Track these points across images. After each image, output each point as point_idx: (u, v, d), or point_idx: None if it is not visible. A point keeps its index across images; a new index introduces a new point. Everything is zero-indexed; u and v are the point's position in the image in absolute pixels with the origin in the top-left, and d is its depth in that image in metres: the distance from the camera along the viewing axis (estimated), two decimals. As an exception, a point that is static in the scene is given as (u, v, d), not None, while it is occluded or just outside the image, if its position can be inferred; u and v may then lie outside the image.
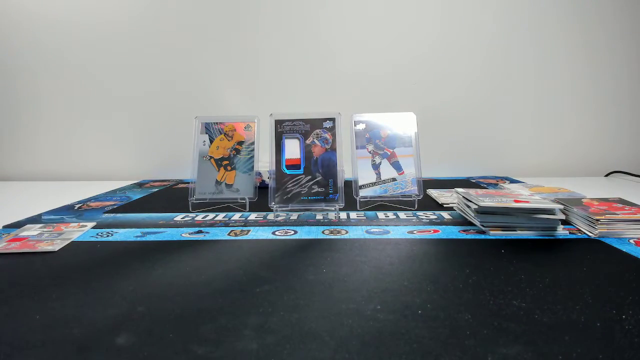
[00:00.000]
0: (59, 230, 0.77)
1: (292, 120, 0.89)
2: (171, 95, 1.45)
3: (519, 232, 0.71)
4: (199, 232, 0.76)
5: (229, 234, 0.75)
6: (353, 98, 1.43)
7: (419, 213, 0.88)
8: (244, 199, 0.92)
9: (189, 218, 0.87)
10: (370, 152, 0.92)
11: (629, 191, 1.16)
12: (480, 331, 0.40)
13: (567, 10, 1.39)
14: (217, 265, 0.59)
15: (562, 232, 0.72)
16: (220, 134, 0.96)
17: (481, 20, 1.41)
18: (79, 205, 1.02)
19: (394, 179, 0.91)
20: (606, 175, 1.46)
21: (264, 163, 1.01)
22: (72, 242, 0.70)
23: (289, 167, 0.87)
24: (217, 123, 0.96)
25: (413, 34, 1.42)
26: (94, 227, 0.80)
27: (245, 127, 0.96)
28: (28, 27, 1.40)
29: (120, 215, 0.90)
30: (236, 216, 0.88)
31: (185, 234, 0.75)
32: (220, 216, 0.88)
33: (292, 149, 0.88)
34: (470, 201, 0.77)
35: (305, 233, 0.75)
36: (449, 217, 0.85)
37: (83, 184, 1.34)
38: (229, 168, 0.94)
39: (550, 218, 0.71)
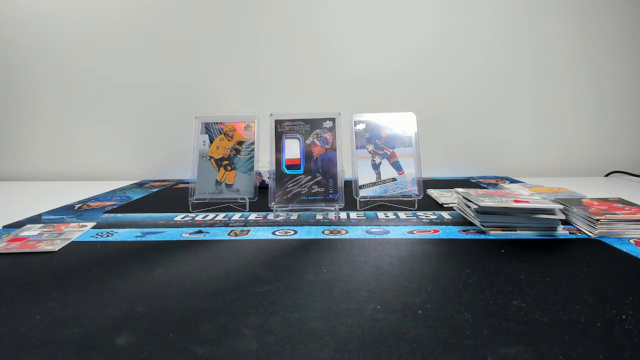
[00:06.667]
0: (59, 230, 0.77)
1: (292, 120, 0.89)
2: (171, 95, 1.45)
3: (519, 232, 0.71)
4: (199, 232, 0.76)
5: (229, 234, 0.75)
6: (353, 98, 1.43)
7: (419, 213, 0.88)
8: (244, 199, 0.92)
9: (189, 218, 0.87)
10: (370, 152, 0.92)
11: (629, 191, 1.16)
12: (480, 331, 0.40)
13: (567, 10, 1.39)
14: (217, 265, 0.59)
15: (562, 232, 0.72)
16: (220, 134, 0.96)
17: (481, 20, 1.41)
18: (79, 205, 1.02)
19: (394, 179, 0.91)
20: (606, 175, 1.46)
21: (264, 163, 1.01)
22: (72, 242, 0.70)
23: (289, 167, 0.87)
24: (217, 123, 0.96)
25: (413, 34, 1.42)
26: (94, 227, 0.80)
27: (245, 127, 0.96)
28: (28, 26, 1.40)
29: (120, 215, 0.90)
30: (236, 216, 0.88)
31: (185, 234, 0.75)
32: (220, 216, 0.88)
33: (292, 149, 0.88)
34: (470, 201, 0.77)
35: (305, 233, 0.75)
36: (449, 217, 0.85)
37: (83, 184, 1.34)
38: (229, 168, 0.94)
39: (550, 218, 0.71)
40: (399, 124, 0.94)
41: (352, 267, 0.57)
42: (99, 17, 1.40)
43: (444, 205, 0.95)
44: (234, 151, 0.95)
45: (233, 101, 1.46)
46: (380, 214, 0.87)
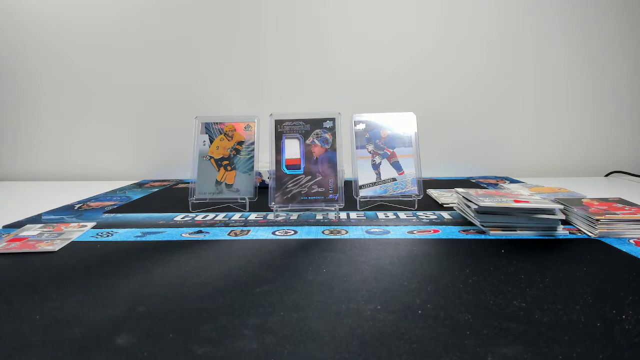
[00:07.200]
0: (59, 230, 0.77)
1: (292, 120, 0.89)
2: (171, 95, 1.45)
3: (519, 232, 0.71)
4: (199, 232, 0.76)
5: (229, 234, 0.75)
6: (353, 98, 1.43)
7: (419, 213, 0.88)
8: (244, 199, 0.92)
9: (189, 218, 0.87)
10: (370, 152, 0.92)
11: (629, 191, 1.16)
12: (480, 331, 0.40)
13: (567, 11, 1.39)
14: (217, 265, 0.58)
15: (562, 232, 0.72)
16: (220, 134, 0.96)
17: (481, 20, 1.41)
18: (79, 205, 1.02)
19: (394, 179, 0.91)
20: (606, 175, 1.46)
21: (264, 163, 1.01)
22: (72, 242, 0.70)
23: (289, 167, 0.87)
24: (217, 123, 0.96)
25: (413, 34, 1.42)
26: (94, 227, 0.80)
27: (245, 127, 0.96)
28: (28, 26, 1.40)
29: (120, 215, 0.90)
30: (236, 216, 0.88)
31: (185, 234, 0.75)
32: (220, 216, 0.88)
33: (292, 149, 0.88)
34: (470, 201, 0.77)
35: (305, 233, 0.75)
36: (449, 217, 0.85)
37: (83, 184, 1.34)
38: (229, 168, 0.94)
39: (550, 218, 0.71)
40: (399, 124, 0.94)
41: (352, 267, 0.57)
42: (99, 17, 1.40)
43: (444, 205, 0.95)
44: (234, 151, 0.95)
45: (233, 101, 1.46)
46: (380, 214, 0.87)
